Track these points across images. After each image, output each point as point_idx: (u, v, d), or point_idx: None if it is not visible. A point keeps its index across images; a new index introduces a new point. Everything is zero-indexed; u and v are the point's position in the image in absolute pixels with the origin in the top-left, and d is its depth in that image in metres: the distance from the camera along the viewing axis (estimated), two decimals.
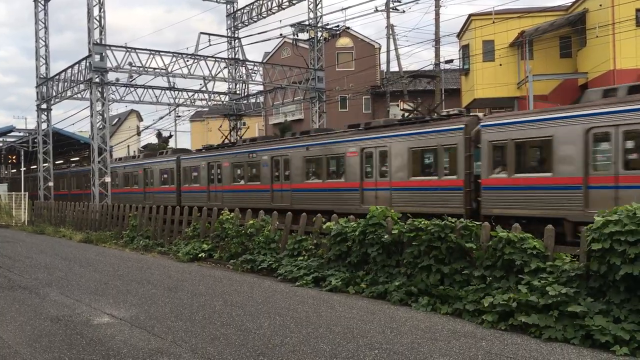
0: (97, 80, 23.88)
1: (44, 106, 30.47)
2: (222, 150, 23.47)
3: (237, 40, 32.06)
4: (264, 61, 40.02)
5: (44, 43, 30.46)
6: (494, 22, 27.27)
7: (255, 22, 31.63)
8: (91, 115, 24.64)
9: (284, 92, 30.21)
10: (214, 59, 26.89)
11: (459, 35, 32.90)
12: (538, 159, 13.46)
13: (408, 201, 15.25)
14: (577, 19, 26.28)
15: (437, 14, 30.00)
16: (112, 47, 24.23)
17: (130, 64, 24.23)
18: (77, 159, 47.39)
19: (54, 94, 29.06)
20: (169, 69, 25.48)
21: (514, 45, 28.18)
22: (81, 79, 25.35)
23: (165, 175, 26.69)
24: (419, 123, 15.66)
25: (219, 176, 22.92)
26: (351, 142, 17.15)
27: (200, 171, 24.02)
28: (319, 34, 29.81)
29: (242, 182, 21.74)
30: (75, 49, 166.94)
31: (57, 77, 28.43)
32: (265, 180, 20.32)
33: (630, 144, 11.38)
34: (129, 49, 24.32)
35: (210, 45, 28.63)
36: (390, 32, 34.59)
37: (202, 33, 27.96)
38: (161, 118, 57.80)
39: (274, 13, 30.11)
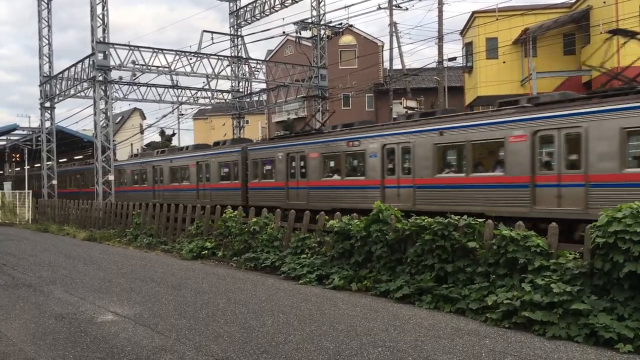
0: (100, 78, 23.91)
1: (47, 104, 30.54)
2: (306, 138, 19.36)
3: (240, 38, 32.04)
4: (267, 59, 40.02)
5: (47, 41, 30.50)
6: (497, 20, 27.19)
7: (258, 20, 31.61)
8: (94, 114, 24.69)
9: (287, 90, 30.19)
10: (217, 57, 26.92)
11: (462, 32, 32.83)
12: None
13: (622, 202, 12.19)
14: (581, 15, 26.21)
15: (440, 12, 29.93)
16: (115, 46, 24.26)
17: (133, 62, 24.25)
18: (81, 157, 47.49)
19: (57, 92, 29.12)
20: (172, 67, 25.50)
21: (517, 42, 28.11)
22: (84, 77, 25.39)
23: (226, 170, 22.95)
24: (634, 94, 11.54)
25: (303, 170, 19.05)
26: (516, 122, 13.05)
27: (276, 164, 20.14)
28: (322, 31, 29.79)
29: (337, 176, 17.84)
30: (79, 48, 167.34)
31: (60, 75, 28.48)
32: (372, 174, 16.41)
33: None
34: (132, 47, 24.34)
35: (213, 43, 28.65)
36: (393, 30, 34.54)
37: (205, 31, 27.99)
38: (164, 116, 57.69)
39: (276, 11, 30.10)
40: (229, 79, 29.51)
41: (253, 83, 31.97)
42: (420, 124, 15.60)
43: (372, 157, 16.49)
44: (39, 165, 35.94)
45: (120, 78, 26.58)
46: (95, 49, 23.70)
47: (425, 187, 15.01)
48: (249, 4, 31.65)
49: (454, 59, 32.48)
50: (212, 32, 28.75)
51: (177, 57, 25.64)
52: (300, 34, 29.30)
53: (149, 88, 29.41)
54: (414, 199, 15.16)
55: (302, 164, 19.13)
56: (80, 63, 25.56)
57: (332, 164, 18.36)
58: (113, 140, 26.33)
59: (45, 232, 23.72)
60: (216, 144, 25.15)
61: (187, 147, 27.13)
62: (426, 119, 15.84)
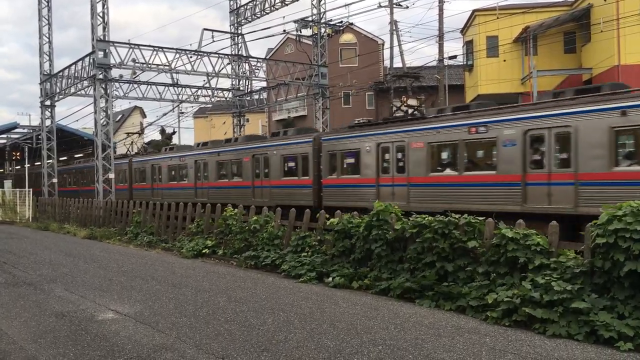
0: (100, 76, 23.89)
1: (47, 103, 30.52)
2: (405, 125, 16.03)
3: (240, 37, 32.04)
4: (267, 57, 40.01)
5: (47, 40, 30.48)
6: (497, 18, 27.17)
7: (259, 18, 31.64)
8: (95, 112, 24.68)
9: (287, 89, 30.18)
10: (217, 55, 26.90)
11: (463, 31, 32.81)
12: None
13: None
14: (582, 14, 26.19)
15: (441, 10, 29.91)
16: (115, 44, 24.24)
17: (133, 60, 24.24)
18: (81, 155, 47.53)
19: (58, 90, 29.12)
20: (173, 66, 25.49)
21: (518, 40, 28.11)
22: (85, 76, 25.39)
23: (292, 164, 19.90)
24: None
25: (401, 163, 15.88)
26: None
27: (363, 156, 17.03)
28: (322, 30, 29.76)
29: (452, 171, 14.59)
30: (79, 47, 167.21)
31: (60, 73, 28.48)
32: (507, 168, 13.19)
33: None
34: (133, 46, 24.33)
35: (213, 41, 28.75)
36: (394, 28, 34.51)
37: (205, 29, 28.02)
38: (165, 114, 57.96)
39: (277, 9, 30.10)
40: (229, 77, 29.51)
41: (253, 81, 32.06)
42: (586, 102, 12.07)
43: (507, 147, 13.26)
44: (39, 163, 35.92)
45: (121, 76, 26.60)
46: (95, 47, 23.69)
47: (596, 184, 11.64)
48: (250, 2, 31.64)
49: (455, 57, 32.45)
50: (213, 31, 28.83)
51: (178, 55, 25.63)
52: (301, 32, 29.28)
53: (149, 86, 29.43)
54: (575, 199, 11.90)
55: (399, 156, 15.92)
56: (81, 61, 25.56)
57: (443, 155, 15.19)
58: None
59: (45, 230, 23.72)
60: (275, 134, 22.28)
61: (237, 139, 24.25)
62: (592, 95, 12.32)
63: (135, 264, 12.97)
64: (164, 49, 25.29)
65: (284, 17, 77.23)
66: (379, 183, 16.43)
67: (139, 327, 7.05)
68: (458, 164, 14.48)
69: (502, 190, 13.31)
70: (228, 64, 28.03)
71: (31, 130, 39.32)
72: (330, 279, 9.86)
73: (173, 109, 41.11)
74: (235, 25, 32.68)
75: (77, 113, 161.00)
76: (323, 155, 18.51)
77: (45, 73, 30.30)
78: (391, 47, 35.06)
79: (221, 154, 23.46)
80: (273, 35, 34.47)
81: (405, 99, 19.91)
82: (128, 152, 34.82)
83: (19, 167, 47.89)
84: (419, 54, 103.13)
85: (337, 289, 9.51)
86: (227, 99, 33.51)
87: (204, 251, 14.08)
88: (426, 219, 8.81)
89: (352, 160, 17.62)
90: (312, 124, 31.60)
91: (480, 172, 14.04)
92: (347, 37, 41.07)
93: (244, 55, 30.56)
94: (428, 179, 15.09)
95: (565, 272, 7.00)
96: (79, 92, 27.79)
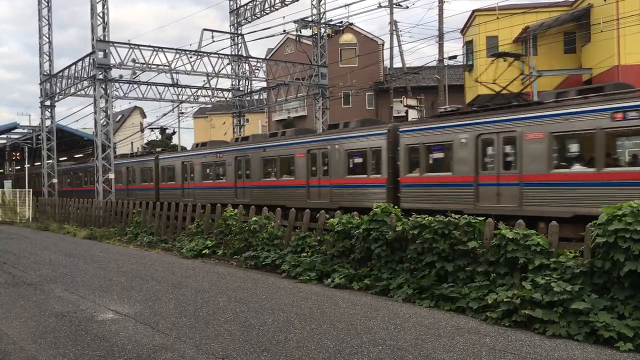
0: (100, 76, 23.89)
1: (47, 103, 30.52)
2: (517, 112, 13.35)
3: (240, 37, 32.04)
4: (267, 57, 40.01)
5: (47, 40, 30.48)
6: (497, 18, 27.17)
7: (259, 18, 31.62)
8: (95, 112, 24.67)
9: (287, 89, 30.18)
10: (217, 56, 26.90)
11: (463, 31, 32.82)
12: None
13: None
14: (582, 14, 26.20)
15: (441, 10, 29.87)
16: (115, 44, 24.24)
17: (133, 60, 24.23)
18: (81, 155, 47.50)
19: (58, 90, 29.12)
20: (173, 66, 25.48)
21: (518, 41, 28.11)
22: (85, 76, 25.38)
23: (359, 159, 17.57)
24: None
25: (510, 158, 13.36)
26: None
27: (455, 150, 14.37)
28: (322, 30, 29.77)
29: (584, 167, 12.08)
30: (79, 47, 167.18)
31: (60, 73, 28.47)
32: None
33: None
34: (132, 46, 24.33)
35: (213, 41, 28.74)
36: (394, 28, 34.51)
37: (205, 29, 28.01)
38: (165, 115, 57.89)
39: (277, 9, 30.09)
40: (229, 78, 29.51)
41: (253, 81, 32.06)
42: None
43: None
44: (39, 163, 35.92)
45: (121, 76, 26.59)
46: (95, 48, 23.69)
47: None
48: (250, 2, 31.63)
49: (455, 57, 32.44)
50: (213, 31, 28.83)
51: (178, 55, 25.62)
52: (301, 32, 29.28)
53: (149, 86, 29.42)
54: None
55: (507, 149, 13.46)
56: (81, 61, 25.55)
57: (572, 148, 12.67)
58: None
59: (45, 230, 23.73)
60: (333, 126, 19.93)
61: (284, 133, 22.02)
62: None
63: (135, 264, 12.98)
64: (164, 49, 25.29)
65: (284, 17, 77.23)
66: (478, 182, 13.87)
67: (139, 328, 7.05)
68: (595, 158, 11.79)
69: None
70: (228, 64, 28.03)
71: (31, 131, 39.30)
72: (331, 280, 9.86)
73: (173, 109, 41.02)
74: (235, 25, 32.67)
75: (77, 113, 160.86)
76: (401, 150, 15.86)
77: (45, 73, 30.29)
78: (391, 47, 35.07)
79: (267, 149, 20.98)
80: (273, 36, 34.46)
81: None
82: (153, 150, 32.99)
83: (19, 167, 47.90)
84: (419, 54, 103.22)
85: (337, 289, 9.51)
86: (227, 99, 33.51)
87: (204, 251, 14.08)
88: (426, 219, 8.81)
89: (440, 155, 15.17)
90: (312, 124, 31.59)
91: (629, 169, 11.37)
92: (347, 37, 41.08)
93: (244, 55, 30.56)
94: (550, 177, 12.44)
95: (565, 272, 7.01)
96: (79, 92, 27.79)
